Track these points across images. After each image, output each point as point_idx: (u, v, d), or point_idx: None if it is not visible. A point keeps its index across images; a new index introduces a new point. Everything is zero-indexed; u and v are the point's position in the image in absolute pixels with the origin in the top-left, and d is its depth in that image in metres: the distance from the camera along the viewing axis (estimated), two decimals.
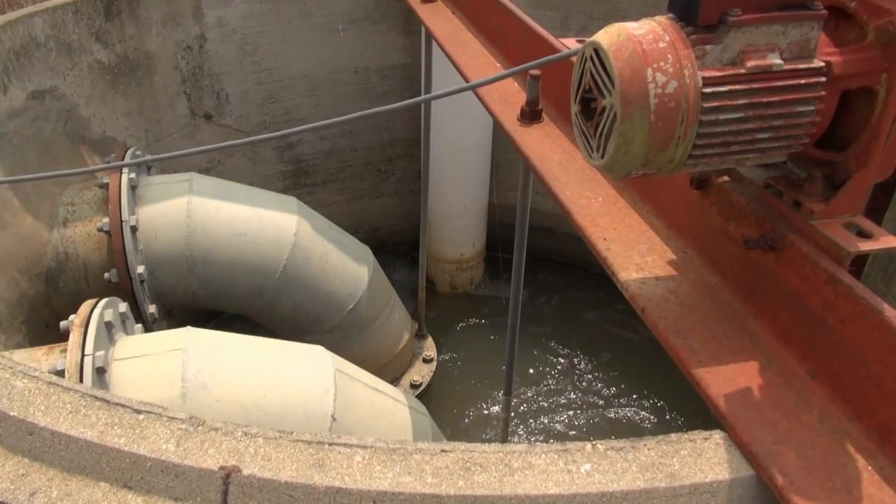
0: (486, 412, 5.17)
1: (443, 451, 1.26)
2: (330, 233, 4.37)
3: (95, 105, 4.29)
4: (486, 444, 1.29)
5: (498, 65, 3.04)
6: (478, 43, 3.33)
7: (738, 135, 1.33)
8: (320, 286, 4.23)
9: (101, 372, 2.61)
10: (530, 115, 2.50)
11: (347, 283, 4.35)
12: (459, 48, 3.22)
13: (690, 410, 5.13)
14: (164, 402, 2.71)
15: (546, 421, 5.08)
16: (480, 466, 1.24)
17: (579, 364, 5.55)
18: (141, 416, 1.32)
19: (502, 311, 6.02)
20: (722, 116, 1.30)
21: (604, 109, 1.34)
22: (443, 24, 3.58)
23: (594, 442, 1.29)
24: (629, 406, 5.20)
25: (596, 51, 1.35)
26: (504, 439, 3.43)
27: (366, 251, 4.57)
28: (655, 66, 1.26)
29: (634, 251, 1.80)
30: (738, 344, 1.51)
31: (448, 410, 5.17)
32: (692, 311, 1.60)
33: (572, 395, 5.30)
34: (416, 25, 5.31)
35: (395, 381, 4.93)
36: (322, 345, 4.37)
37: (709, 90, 1.28)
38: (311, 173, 5.95)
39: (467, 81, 2.77)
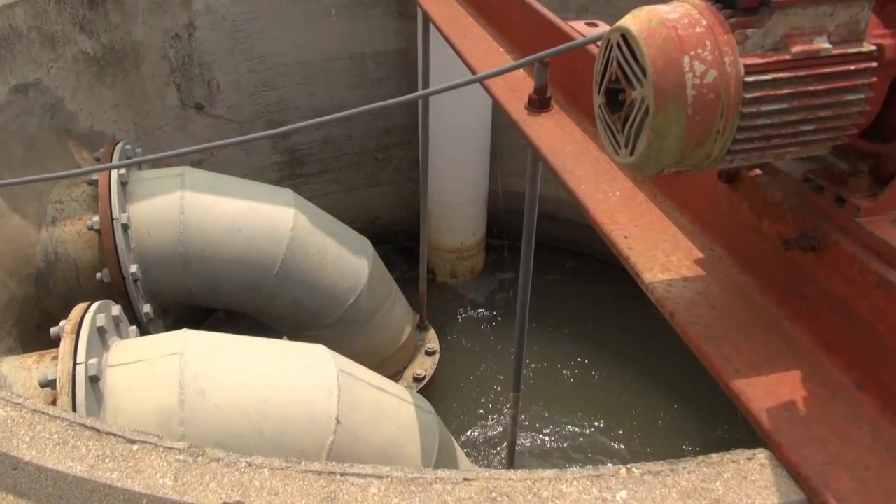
0: (491, 405, 5.09)
1: (465, 479, 1.15)
2: (328, 225, 4.25)
3: (82, 98, 4.14)
4: (512, 472, 1.18)
5: (501, 50, 2.91)
6: (479, 27, 3.19)
7: (781, 127, 1.22)
8: (319, 280, 4.12)
9: (94, 381, 2.50)
10: (539, 103, 2.37)
11: (347, 276, 4.24)
12: (460, 34, 3.08)
13: (700, 402, 5.06)
14: (162, 410, 2.62)
15: (552, 414, 5.00)
16: (507, 497, 1.13)
17: (586, 354, 5.46)
18: (135, 447, 1.21)
19: (504, 300, 5.93)
20: (764, 108, 1.18)
21: (633, 102, 1.22)
22: (442, 8, 3.44)
23: (629, 466, 1.18)
24: (638, 396, 5.12)
25: (624, 37, 1.23)
26: (513, 438, 3.35)
27: (365, 243, 4.45)
28: (693, 53, 1.14)
29: (658, 250, 1.69)
30: (775, 351, 1.40)
31: (452, 404, 5.08)
32: (724, 316, 1.49)
33: (579, 387, 5.22)
34: (411, 9, 5.15)
35: (397, 374, 4.84)
36: (322, 340, 4.27)
37: (751, 79, 1.16)
38: (306, 163, 5.81)
39: (473, 71, 2.64)
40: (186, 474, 1.17)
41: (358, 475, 1.18)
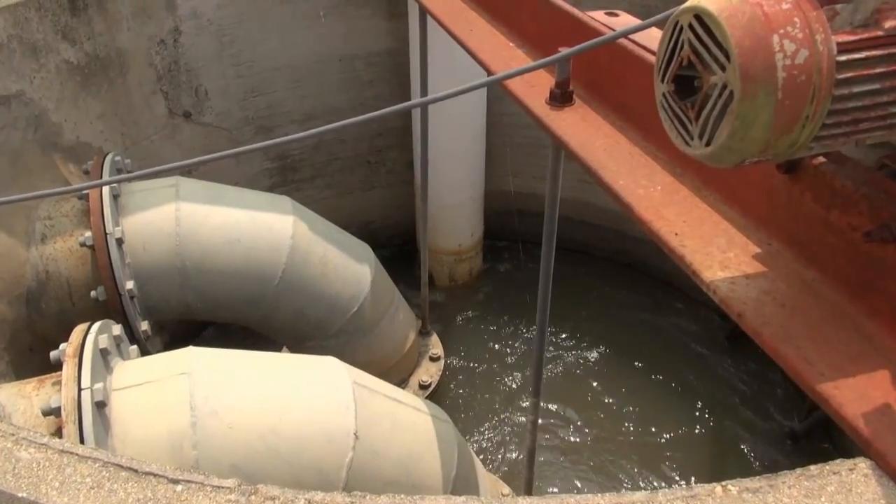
0: (500, 408, 4.98)
1: None
2: (328, 232, 4.12)
3: (66, 108, 3.98)
4: (600, 496, 1.08)
5: (511, 45, 2.81)
6: (483, 21, 3.09)
7: (871, 110, 1.13)
8: (322, 290, 3.99)
9: (101, 406, 2.36)
10: (561, 97, 2.27)
11: (350, 284, 4.11)
12: (466, 29, 2.98)
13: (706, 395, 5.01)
14: (174, 434, 2.48)
15: (568, 416, 4.91)
16: None
17: (592, 353, 5.38)
18: (179, 487, 1.09)
19: (505, 302, 5.84)
20: (856, 89, 1.10)
21: (713, 88, 1.12)
22: (441, 3, 3.33)
23: (724, 484, 1.08)
24: (651, 396, 5.05)
25: (698, 18, 1.13)
26: (532, 444, 3.25)
27: (366, 249, 4.33)
28: (782, 31, 1.05)
29: (713, 246, 1.60)
30: (857, 350, 1.31)
31: (461, 411, 4.97)
32: (795, 314, 1.40)
33: (591, 386, 5.14)
34: (401, 8, 5.03)
35: (402, 382, 4.72)
36: (325, 351, 4.14)
37: (843, 58, 1.07)
38: (298, 169, 5.67)
39: (488, 70, 2.53)
40: None
41: None
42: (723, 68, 1.09)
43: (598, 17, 2.30)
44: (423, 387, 4.71)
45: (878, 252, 1.33)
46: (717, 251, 1.59)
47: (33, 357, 3.56)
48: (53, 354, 2.53)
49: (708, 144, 1.17)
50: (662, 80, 1.25)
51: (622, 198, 1.81)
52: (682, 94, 1.22)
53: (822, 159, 1.45)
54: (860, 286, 1.39)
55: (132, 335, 3.56)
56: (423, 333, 5.08)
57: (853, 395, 1.22)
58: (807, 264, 1.51)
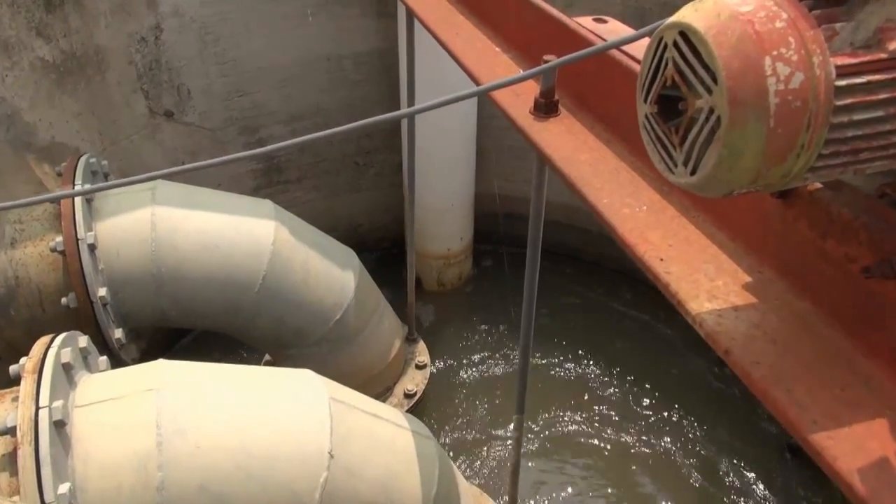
0: (488, 418, 4.88)
1: None
2: (311, 237, 4.01)
3: (41, 108, 3.85)
4: None
5: (497, 50, 2.70)
6: (470, 25, 2.98)
7: (873, 139, 1.02)
8: (303, 297, 3.88)
9: (60, 426, 2.24)
10: (546, 107, 2.17)
11: (333, 291, 4.00)
12: (452, 33, 2.87)
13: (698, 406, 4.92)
14: (138, 454, 2.36)
15: (554, 430, 4.81)
16: None
17: (580, 362, 5.29)
18: None
19: (494, 308, 5.73)
20: (856, 117, 0.99)
21: (698, 112, 1.02)
22: (427, 4, 3.22)
23: None
24: (637, 401, 4.97)
25: (683, 35, 1.02)
26: (516, 460, 3.15)
27: (350, 255, 4.22)
28: (775, 53, 0.95)
29: (700, 273, 1.50)
30: (853, 395, 1.21)
31: (446, 421, 4.87)
32: (787, 352, 1.30)
33: (577, 396, 5.04)
34: (390, 8, 4.92)
35: (387, 390, 4.62)
36: (307, 359, 4.05)
37: (843, 83, 0.97)
38: (283, 170, 5.55)
39: (475, 80, 2.42)
40: None
41: None
42: (709, 91, 0.99)
43: (585, 23, 2.19)
44: (408, 396, 4.61)
45: (877, 288, 1.23)
46: (705, 279, 1.49)
47: (3, 365, 3.44)
48: (13, 369, 2.42)
49: (693, 173, 1.07)
50: (645, 101, 1.15)
51: (605, 217, 1.71)
52: (666, 115, 1.11)
53: (817, 185, 1.35)
54: (857, 321, 1.29)
55: (106, 344, 3.45)
56: (410, 340, 4.98)
57: (848, 447, 1.12)
58: (800, 295, 1.41)
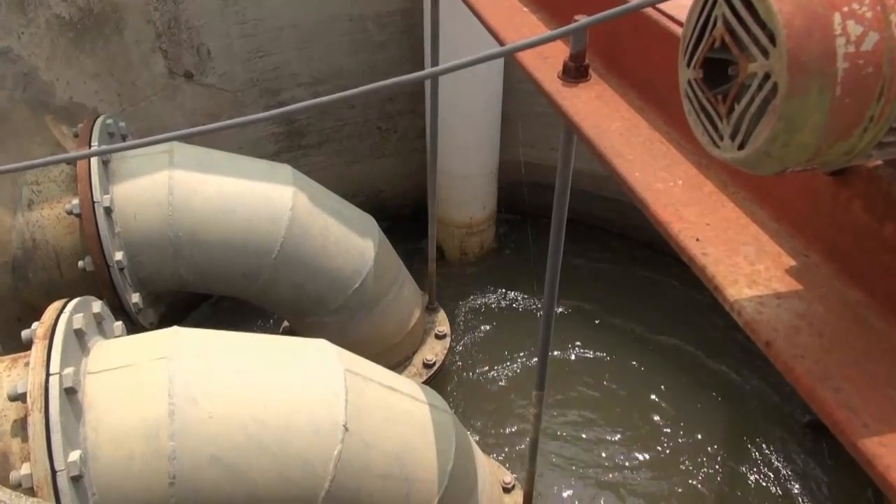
0: (507, 391, 4.82)
1: None
2: (330, 203, 3.93)
3: (58, 67, 3.78)
4: None
5: (525, 10, 2.55)
6: None
7: None
8: (322, 264, 3.81)
9: (71, 392, 2.21)
10: (575, 71, 2.03)
11: (352, 258, 3.93)
12: None
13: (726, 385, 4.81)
14: (149, 423, 2.33)
15: (570, 399, 4.74)
16: None
17: (599, 332, 5.18)
18: None
19: (516, 277, 5.63)
20: None
21: (751, 78, 0.89)
22: None
23: None
24: (665, 376, 4.86)
25: None
26: (535, 436, 3.08)
27: (370, 222, 4.14)
28: (846, 9, 0.82)
29: (740, 255, 1.38)
30: None
31: (466, 393, 4.82)
32: (835, 346, 1.18)
33: (593, 365, 4.96)
34: None
35: (406, 360, 4.57)
36: (326, 327, 4.00)
37: None
38: (305, 134, 5.45)
39: (499, 40, 2.28)
40: None
41: None
42: (765, 54, 0.86)
43: None
44: (427, 365, 4.56)
45: None
46: (745, 262, 1.36)
47: (22, 326, 3.44)
48: (25, 334, 2.39)
49: (741, 147, 0.95)
50: (689, 65, 1.02)
51: (637, 192, 1.59)
52: (712, 82, 0.99)
53: (878, 162, 1.21)
54: None
55: (122, 308, 3.43)
56: (430, 309, 4.91)
57: None
58: (850, 283, 1.29)
